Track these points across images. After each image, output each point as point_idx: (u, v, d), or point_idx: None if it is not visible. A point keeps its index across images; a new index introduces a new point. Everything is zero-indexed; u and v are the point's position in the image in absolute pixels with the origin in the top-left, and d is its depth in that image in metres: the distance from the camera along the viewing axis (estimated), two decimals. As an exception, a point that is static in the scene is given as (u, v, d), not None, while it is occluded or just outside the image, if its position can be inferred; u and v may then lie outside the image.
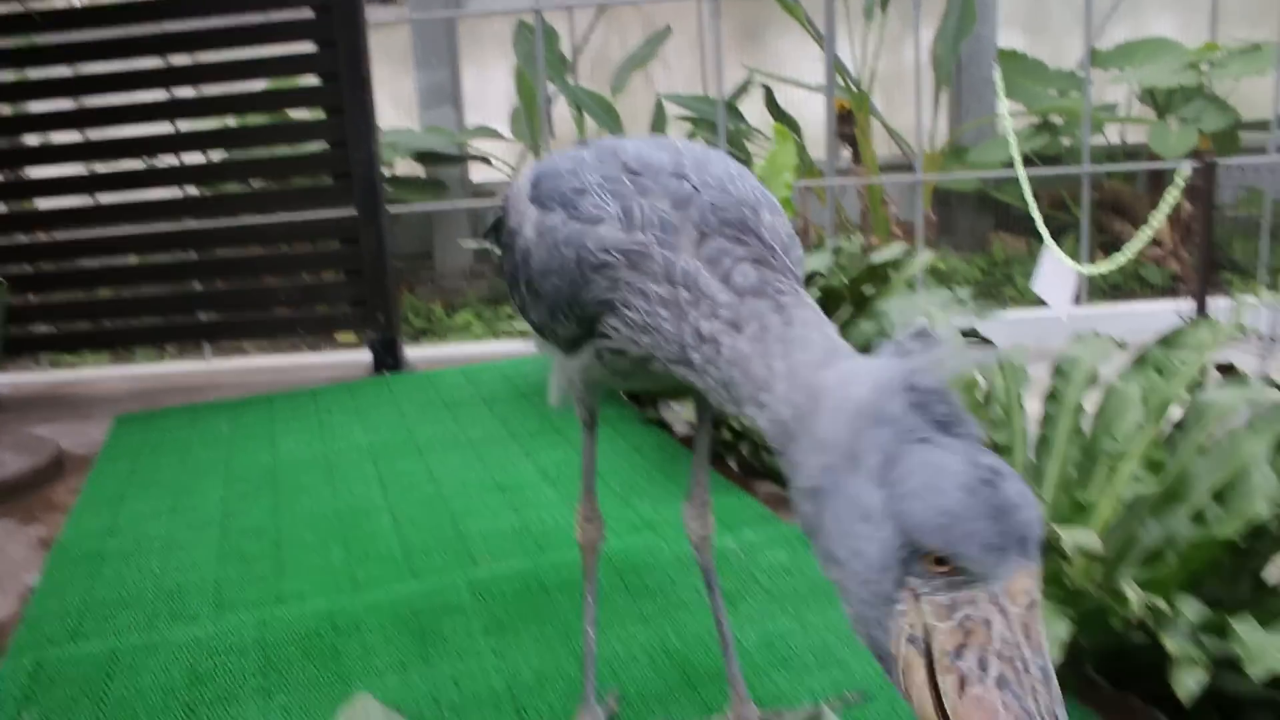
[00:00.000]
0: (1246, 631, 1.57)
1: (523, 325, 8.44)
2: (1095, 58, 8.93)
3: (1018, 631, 0.93)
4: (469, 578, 2.22)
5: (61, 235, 4.61)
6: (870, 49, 9.02)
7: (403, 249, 9.23)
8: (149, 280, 4.31)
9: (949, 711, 0.94)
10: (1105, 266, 5.54)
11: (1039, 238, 6.52)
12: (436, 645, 1.97)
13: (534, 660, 1.91)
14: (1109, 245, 7.93)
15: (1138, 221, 7.27)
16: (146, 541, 2.58)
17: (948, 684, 0.94)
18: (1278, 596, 1.91)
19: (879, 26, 9.01)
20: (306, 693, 1.84)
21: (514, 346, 5.17)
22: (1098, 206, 9.08)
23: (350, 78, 3.82)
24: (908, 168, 8.96)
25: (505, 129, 9.09)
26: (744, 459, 2.89)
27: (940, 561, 0.94)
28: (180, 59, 4.00)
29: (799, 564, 2.23)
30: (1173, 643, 1.54)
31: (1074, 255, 6.97)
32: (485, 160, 9.16)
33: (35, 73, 4.62)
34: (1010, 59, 9.24)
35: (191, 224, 4.27)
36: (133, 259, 4.75)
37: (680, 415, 2.90)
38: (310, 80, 3.97)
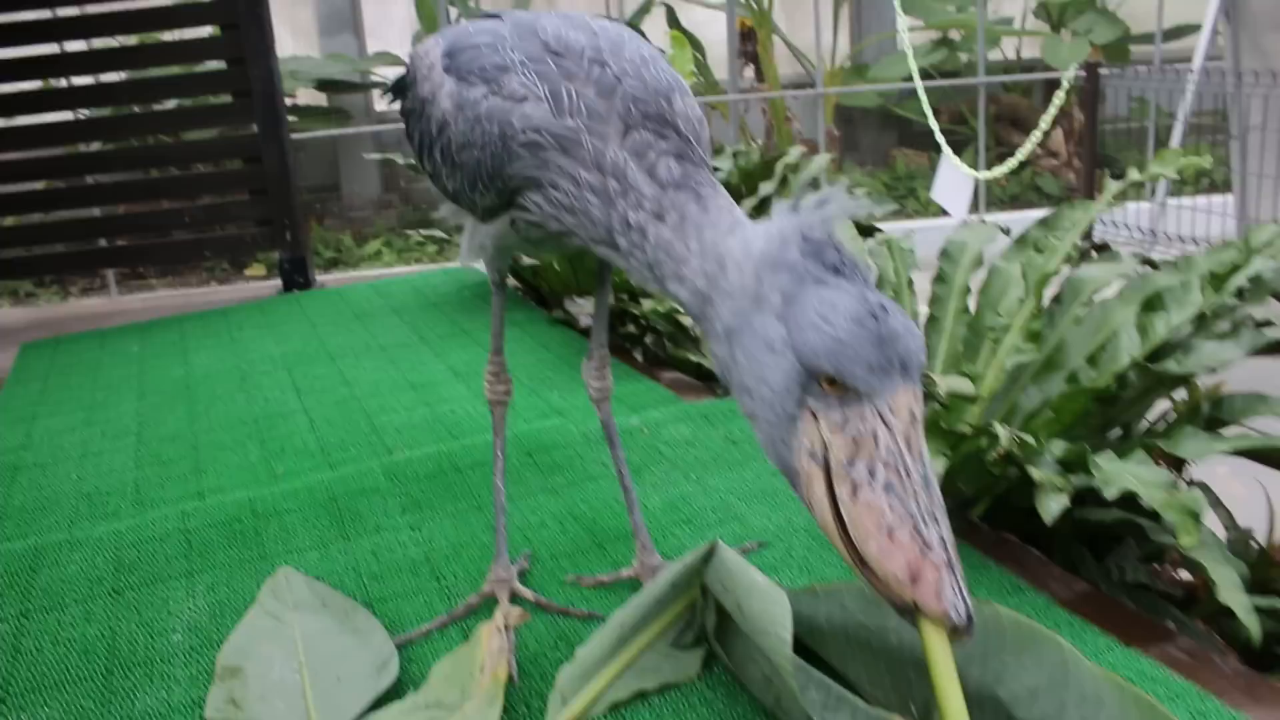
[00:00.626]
0: (1104, 461, 1.73)
1: (431, 249, 8.36)
2: (990, -29, 9.10)
3: (901, 442, 1.07)
4: (384, 464, 2.30)
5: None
6: (771, -34, 9.06)
7: (309, 180, 9.11)
8: (45, 207, 4.23)
9: (844, 516, 1.08)
10: (1000, 171, 5.72)
11: (940, 151, 6.69)
12: (354, 524, 2.06)
13: (449, 532, 2.00)
14: (1007, 156, 8.16)
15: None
16: (61, 453, 2.61)
17: (843, 491, 1.08)
18: (1137, 442, 2.08)
19: (779, -58, 9.04)
20: (230, 572, 1.91)
21: (425, 270, 5.20)
22: (996, 120, 9.31)
23: (244, -10, 3.78)
24: (810, 85, 9.06)
25: (407, 54, 8.99)
26: (649, 349, 3.00)
27: (833, 383, 1.07)
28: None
29: (700, 437, 2.35)
30: (1038, 471, 1.69)
31: (973, 165, 7.18)
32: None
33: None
34: (909, -26, 9.35)
35: (89, 148, 4.20)
36: (33, 185, 4.64)
37: (584, 309, 2.99)
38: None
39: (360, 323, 3.58)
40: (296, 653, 1.61)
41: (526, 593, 1.74)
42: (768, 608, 1.39)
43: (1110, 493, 1.62)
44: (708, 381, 2.82)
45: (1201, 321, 2.01)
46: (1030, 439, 1.75)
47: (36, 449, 2.65)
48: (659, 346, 3.00)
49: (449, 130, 1.43)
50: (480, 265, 1.67)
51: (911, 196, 9.07)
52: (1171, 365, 1.95)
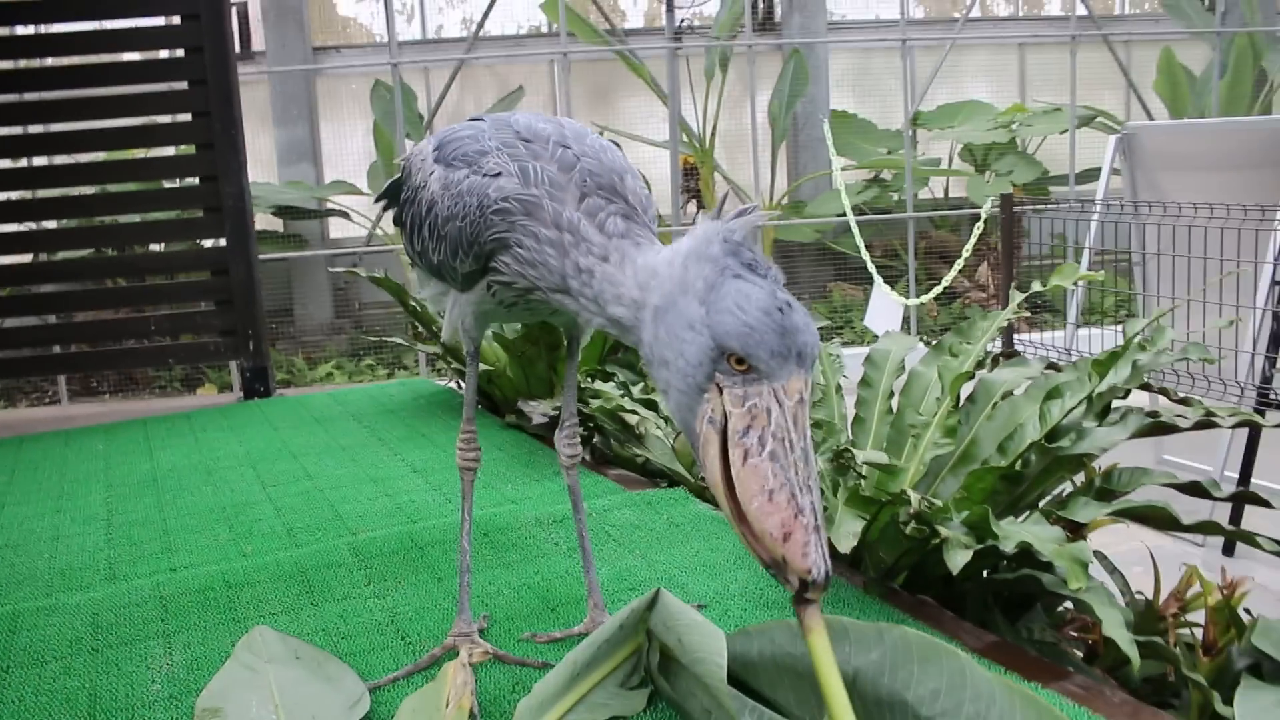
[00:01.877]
0: (1004, 524, 1.94)
1: (382, 374, 8.49)
2: (918, 118, 9.73)
3: (789, 419, 1.27)
4: (349, 542, 2.44)
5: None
6: (712, 108, 9.60)
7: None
8: (12, 313, 4.37)
9: (733, 476, 1.28)
10: (927, 297, 6.09)
11: (872, 284, 7.08)
12: (322, 593, 2.19)
13: (412, 599, 2.14)
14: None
15: (963, 265, 7.91)
16: (32, 535, 2.71)
17: (735, 455, 1.27)
18: (1037, 512, 2.30)
19: (719, 87, 9.61)
20: (205, 632, 2.03)
21: (382, 383, 5.36)
22: (926, 254, 9.81)
23: (221, 114, 4.04)
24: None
25: (364, 184, 9.32)
26: (596, 448, 3.19)
27: (740, 362, 1.27)
28: (55, 95, 4.13)
29: (644, 521, 2.53)
30: (945, 529, 1.90)
31: (905, 295, 7.57)
32: (344, 215, 9.35)
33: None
34: (842, 119, 9.96)
35: (62, 255, 4.37)
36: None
37: (537, 409, 3.18)
38: (183, 117, 4.17)
39: (320, 426, 3.73)
40: (272, 697, 1.74)
41: (486, 646, 1.89)
42: (705, 640, 1.57)
43: (1008, 546, 1.83)
44: (652, 478, 3.00)
45: (1091, 406, 2.26)
46: (939, 502, 1.96)
47: (6, 532, 2.75)
48: (605, 445, 3.20)
49: (436, 207, 1.67)
50: (460, 337, 1.88)
51: (848, 327, 9.46)
52: (1066, 444, 2.19)
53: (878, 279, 6.50)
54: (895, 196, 9.75)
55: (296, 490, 2.95)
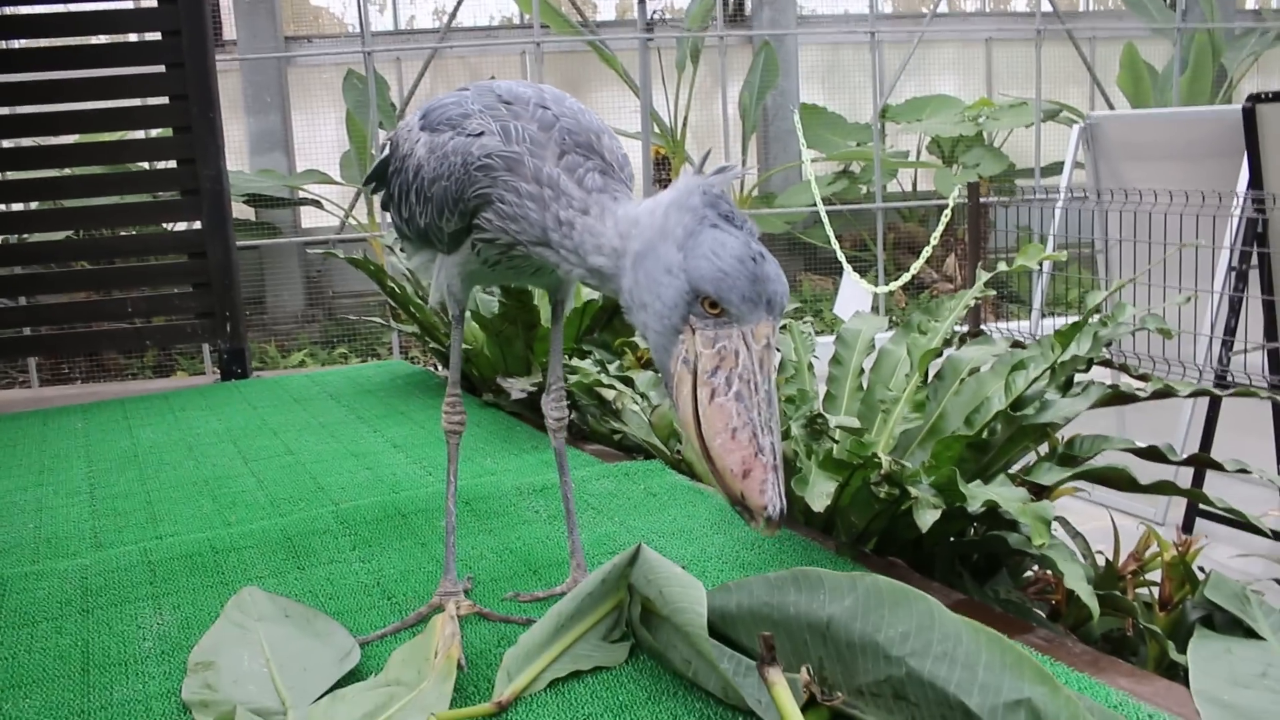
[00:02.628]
0: (971, 486, 2.02)
1: (355, 361, 8.51)
2: (887, 111, 9.83)
3: (755, 363, 1.35)
4: (333, 511, 2.48)
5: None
6: (683, 100, 9.67)
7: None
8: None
9: (699, 414, 1.36)
10: (895, 284, 6.18)
11: (842, 274, 7.18)
12: (308, 557, 2.24)
13: (397, 563, 2.19)
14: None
15: (930, 257, 8.03)
16: (15, 508, 2.73)
17: (703, 394, 1.36)
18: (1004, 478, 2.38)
19: (690, 79, 9.67)
20: (194, 594, 2.08)
21: (358, 365, 5.39)
22: (895, 246, 9.93)
23: (199, 97, 4.06)
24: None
25: (336, 173, 9.31)
26: (573, 424, 3.25)
27: (713, 306, 1.35)
28: (29, 77, 4.13)
29: (622, 490, 2.59)
30: (915, 489, 1.97)
31: (873, 283, 7.67)
32: (316, 204, 9.34)
33: None
34: (811, 112, 10.05)
35: (37, 238, 4.37)
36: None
37: (514, 385, 3.23)
38: (160, 100, 4.18)
39: (300, 405, 3.77)
40: (263, 651, 1.78)
41: (472, 603, 1.95)
42: (685, 592, 1.64)
43: (974, 506, 1.90)
44: (629, 452, 3.07)
45: (1054, 376, 2.34)
46: (907, 464, 2.03)
47: (-10, 506, 2.77)
48: (582, 421, 3.25)
49: (423, 170, 1.74)
50: (447, 300, 1.94)
51: (817, 318, 9.55)
52: (1030, 412, 2.27)
53: (847, 268, 6.59)
54: (864, 189, 9.86)
55: (278, 465, 2.99)
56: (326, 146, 9.61)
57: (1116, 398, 2.35)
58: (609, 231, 1.53)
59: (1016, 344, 2.89)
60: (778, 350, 1.39)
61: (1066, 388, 2.46)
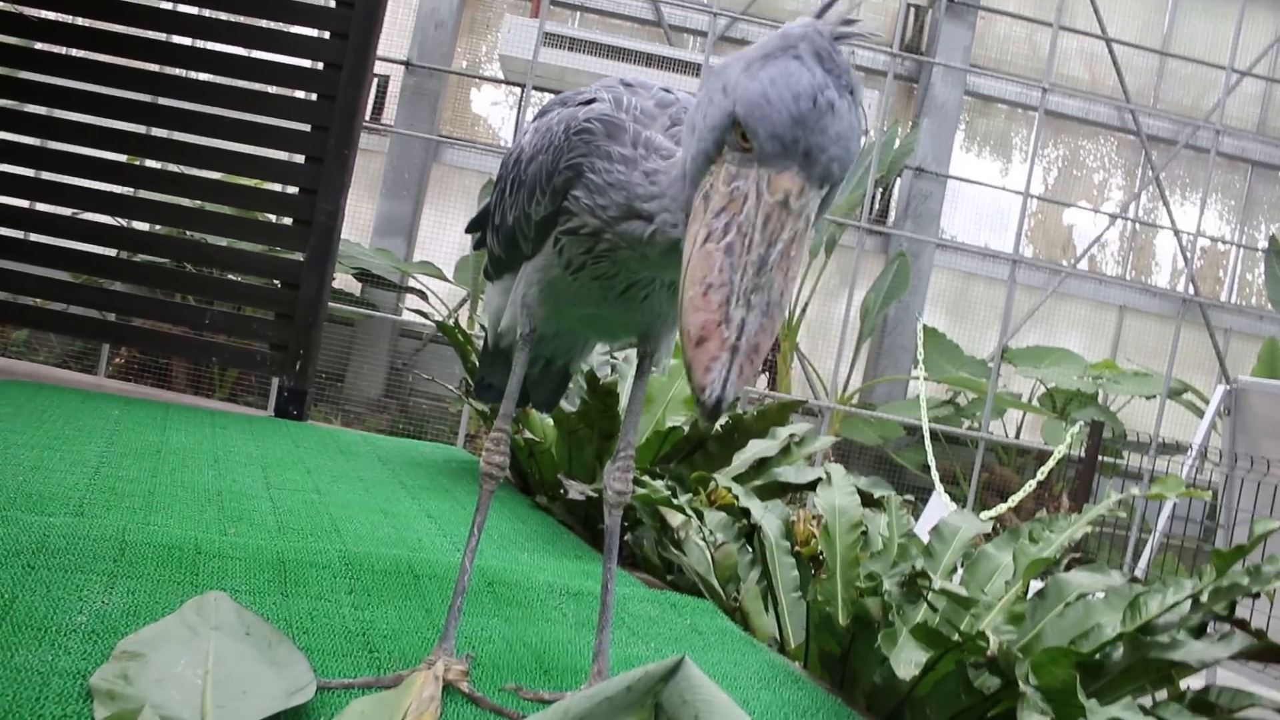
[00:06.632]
0: (1092, 702, 1.64)
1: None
2: (1006, 353, 9.57)
3: (759, 215, 1.11)
4: (340, 550, 2.18)
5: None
6: (807, 291, 9.54)
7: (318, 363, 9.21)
8: (87, 272, 4.28)
9: (691, 256, 1.14)
10: (990, 513, 5.78)
11: (925, 502, 6.80)
12: (296, 587, 1.93)
13: (392, 619, 1.87)
14: (993, 522, 8.24)
15: (1020, 507, 7.60)
16: (13, 460, 2.49)
17: (700, 234, 1.13)
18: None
19: (819, 271, 9.57)
20: (156, 586, 1.78)
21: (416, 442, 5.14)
22: (985, 487, 9.47)
23: (340, 132, 3.98)
24: (813, 413, 9.31)
25: (449, 273, 9.32)
26: (627, 545, 2.93)
27: (745, 139, 1.14)
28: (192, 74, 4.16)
29: (664, 618, 2.25)
30: (1024, 685, 1.60)
31: (958, 516, 7.26)
32: (422, 294, 9.32)
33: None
34: (930, 335, 9.84)
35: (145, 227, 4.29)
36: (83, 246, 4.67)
37: (574, 486, 2.93)
38: (302, 126, 4.13)
39: (344, 456, 3.51)
40: (205, 661, 1.47)
41: (465, 669, 1.61)
42: (730, 721, 1.29)
43: (1096, 727, 1.53)
44: (680, 590, 2.72)
45: (1197, 608, 1.97)
46: (1018, 653, 1.67)
47: (-12, 452, 2.53)
48: (637, 545, 2.93)
49: (523, 154, 1.56)
50: (519, 318, 1.69)
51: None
52: (1163, 640, 1.89)
53: (939, 487, 6.21)
54: (966, 423, 9.50)
55: (301, 499, 2.71)
56: (448, 247, 9.65)
57: (1267, 652, 1.96)
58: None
59: (1134, 579, 2.51)
60: (805, 220, 1.12)
61: (1199, 632, 2.08)
